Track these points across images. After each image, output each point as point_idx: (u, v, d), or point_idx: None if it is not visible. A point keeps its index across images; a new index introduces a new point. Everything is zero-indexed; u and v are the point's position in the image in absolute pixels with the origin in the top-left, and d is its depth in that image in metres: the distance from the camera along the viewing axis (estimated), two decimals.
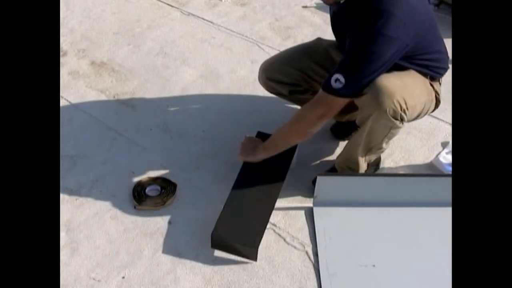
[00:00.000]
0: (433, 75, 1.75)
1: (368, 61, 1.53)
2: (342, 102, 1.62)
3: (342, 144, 2.06)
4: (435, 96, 1.77)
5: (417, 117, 1.75)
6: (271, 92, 2.06)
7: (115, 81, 2.48)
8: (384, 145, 1.76)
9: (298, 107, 2.01)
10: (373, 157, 1.88)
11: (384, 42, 1.50)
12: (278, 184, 1.84)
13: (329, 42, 1.95)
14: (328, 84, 1.59)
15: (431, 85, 1.75)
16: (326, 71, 1.85)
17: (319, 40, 2.00)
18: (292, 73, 1.94)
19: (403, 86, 1.61)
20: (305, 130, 1.72)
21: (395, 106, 1.59)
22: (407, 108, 1.61)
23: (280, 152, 1.86)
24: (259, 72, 2.04)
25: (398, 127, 1.66)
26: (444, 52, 1.78)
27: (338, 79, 1.56)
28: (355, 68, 1.56)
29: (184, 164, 2.04)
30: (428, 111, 1.78)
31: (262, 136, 1.95)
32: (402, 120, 1.63)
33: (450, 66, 1.70)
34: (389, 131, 1.67)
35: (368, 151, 1.79)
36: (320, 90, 1.63)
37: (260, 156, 1.86)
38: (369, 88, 1.59)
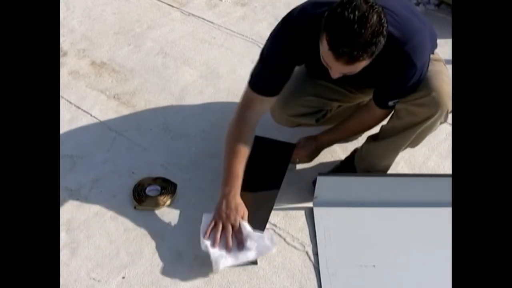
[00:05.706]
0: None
1: (415, 82, 1.63)
2: None
3: (342, 145, 2.06)
4: None
5: None
6: (294, 127, 1.98)
7: (115, 81, 2.48)
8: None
9: None
10: None
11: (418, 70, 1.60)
12: (276, 185, 1.83)
13: None
14: (386, 105, 1.74)
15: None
16: (334, 84, 1.82)
17: None
18: (310, 100, 1.86)
19: (448, 81, 1.66)
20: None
21: (451, 103, 1.64)
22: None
23: (278, 153, 1.92)
24: (275, 113, 1.94)
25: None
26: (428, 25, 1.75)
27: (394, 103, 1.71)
28: (406, 92, 1.67)
29: (184, 164, 2.04)
30: None
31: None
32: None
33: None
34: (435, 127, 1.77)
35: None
36: (377, 108, 1.76)
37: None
38: (425, 92, 1.62)
